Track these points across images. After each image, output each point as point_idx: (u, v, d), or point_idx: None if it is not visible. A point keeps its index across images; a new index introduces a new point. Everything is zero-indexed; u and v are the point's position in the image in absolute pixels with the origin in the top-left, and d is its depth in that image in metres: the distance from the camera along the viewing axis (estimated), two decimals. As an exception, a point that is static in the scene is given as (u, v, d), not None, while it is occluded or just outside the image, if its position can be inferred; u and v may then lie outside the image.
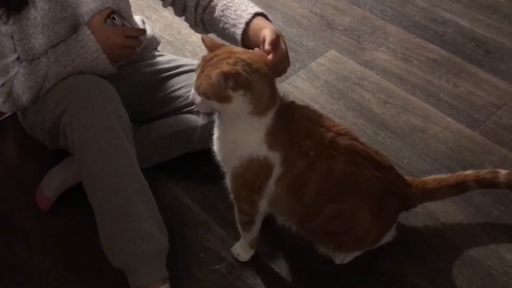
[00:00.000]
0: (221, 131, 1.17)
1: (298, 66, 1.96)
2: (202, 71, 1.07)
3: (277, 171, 1.14)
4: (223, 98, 1.05)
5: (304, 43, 2.07)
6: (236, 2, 1.36)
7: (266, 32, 1.20)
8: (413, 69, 1.94)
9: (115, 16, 1.37)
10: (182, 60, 1.62)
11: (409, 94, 1.85)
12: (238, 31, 1.30)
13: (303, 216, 1.22)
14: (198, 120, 1.49)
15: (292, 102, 1.19)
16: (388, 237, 1.31)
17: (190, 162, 1.56)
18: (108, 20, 1.36)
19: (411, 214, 1.46)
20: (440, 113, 1.78)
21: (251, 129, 1.11)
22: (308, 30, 2.13)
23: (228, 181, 1.22)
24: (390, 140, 1.69)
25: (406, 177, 1.29)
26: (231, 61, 1.04)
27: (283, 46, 1.21)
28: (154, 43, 1.63)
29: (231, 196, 1.27)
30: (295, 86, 1.87)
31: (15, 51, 1.31)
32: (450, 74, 1.93)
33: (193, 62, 1.61)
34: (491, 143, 1.68)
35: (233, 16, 1.32)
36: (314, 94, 1.85)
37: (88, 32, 1.31)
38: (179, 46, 2.02)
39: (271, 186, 1.17)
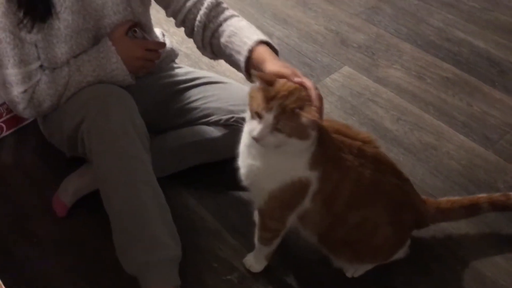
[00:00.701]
0: (261, 158, 1.13)
1: (312, 81, 1.98)
2: (283, 111, 1.03)
3: (314, 188, 1.15)
4: (305, 136, 1.06)
5: (319, 59, 2.10)
6: (242, 29, 1.33)
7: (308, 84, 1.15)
8: (426, 87, 1.96)
9: (136, 29, 1.40)
10: (199, 73, 1.64)
11: (422, 111, 1.86)
12: (242, 58, 1.28)
13: (328, 227, 1.22)
14: (213, 131, 1.52)
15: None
16: (401, 253, 1.31)
17: (204, 172, 1.58)
18: (130, 33, 1.39)
19: (422, 230, 1.46)
20: (453, 131, 1.79)
21: (298, 156, 1.11)
22: (323, 47, 2.16)
23: (260, 203, 1.21)
24: (403, 156, 1.69)
25: (421, 196, 1.31)
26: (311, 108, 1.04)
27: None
28: (172, 55, 1.66)
29: (257, 214, 1.26)
30: (309, 101, 1.89)
31: (39, 59, 1.34)
32: (464, 93, 1.94)
33: (210, 74, 1.64)
34: (504, 163, 1.68)
35: (238, 43, 1.30)
36: (328, 109, 1.87)
37: (110, 43, 1.35)
38: (195, 59, 2.05)
39: (306, 202, 1.17)
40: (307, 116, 1.01)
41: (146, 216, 1.24)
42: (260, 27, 2.21)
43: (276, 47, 1.30)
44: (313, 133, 1.06)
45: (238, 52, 1.29)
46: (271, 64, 1.18)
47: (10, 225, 1.50)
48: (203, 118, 1.53)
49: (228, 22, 1.36)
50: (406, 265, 1.38)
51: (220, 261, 1.41)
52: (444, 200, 1.34)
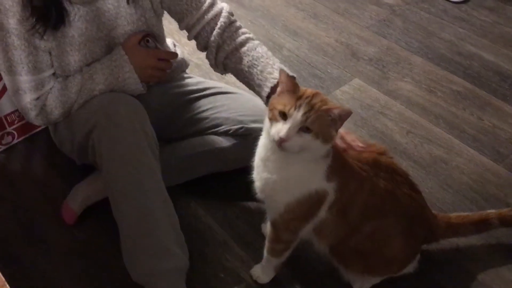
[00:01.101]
0: (277, 171, 1.13)
1: (322, 93, 1.98)
2: (311, 109, 1.03)
3: (330, 198, 1.15)
4: (329, 137, 1.05)
5: (329, 71, 2.10)
6: (262, 61, 1.35)
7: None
8: (437, 101, 1.95)
9: (149, 39, 1.41)
10: (209, 83, 1.65)
11: (432, 125, 1.85)
12: (264, 93, 1.31)
13: (341, 238, 1.22)
14: (223, 141, 1.52)
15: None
16: (410, 267, 1.30)
17: (213, 182, 1.58)
18: (142, 43, 1.40)
19: (432, 246, 1.45)
20: (464, 145, 1.78)
21: (315, 169, 1.11)
22: (334, 59, 2.16)
23: (274, 215, 1.21)
24: (412, 169, 1.69)
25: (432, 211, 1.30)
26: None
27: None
28: (183, 65, 1.67)
29: (270, 226, 1.26)
30: (319, 113, 1.90)
31: (52, 66, 1.35)
32: (475, 107, 1.93)
33: (220, 85, 1.65)
34: (514, 177, 1.67)
35: (259, 77, 1.33)
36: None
37: (123, 52, 1.36)
38: (206, 70, 2.07)
39: (322, 213, 1.17)
40: (338, 107, 1.03)
41: (155, 225, 1.24)
42: (271, 39, 2.25)
43: (293, 74, 1.31)
44: (335, 135, 1.06)
45: (259, 86, 1.32)
46: None
47: (20, 231, 1.51)
48: (213, 128, 1.54)
49: (245, 49, 1.38)
50: (414, 279, 1.36)
51: (227, 272, 1.40)
52: (455, 215, 1.33)
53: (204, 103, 1.58)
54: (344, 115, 1.03)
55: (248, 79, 1.36)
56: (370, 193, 1.16)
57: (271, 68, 1.33)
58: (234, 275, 1.40)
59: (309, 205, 1.14)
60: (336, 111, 1.03)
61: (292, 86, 1.07)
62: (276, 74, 1.30)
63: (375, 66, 2.12)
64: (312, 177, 1.12)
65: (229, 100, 1.57)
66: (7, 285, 0.82)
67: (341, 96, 1.98)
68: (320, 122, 1.03)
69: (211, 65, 1.47)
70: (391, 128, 1.84)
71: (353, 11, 2.45)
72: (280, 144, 1.03)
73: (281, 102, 1.05)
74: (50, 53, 1.33)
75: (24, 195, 1.62)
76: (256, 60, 1.36)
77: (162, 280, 1.24)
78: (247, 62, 1.36)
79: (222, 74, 1.49)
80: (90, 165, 1.46)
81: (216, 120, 1.53)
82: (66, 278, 1.40)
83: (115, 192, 1.27)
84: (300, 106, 1.03)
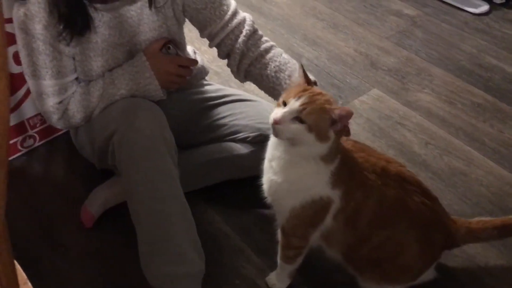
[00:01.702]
0: (281, 173, 1.14)
1: (341, 102, 1.99)
2: (311, 101, 1.05)
3: (336, 206, 1.15)
4: (324, 137, 1.05)
5: (348, 80, 2.10)
6: (289, 67, 1.39)
7: None
8: (457, 112, 1.94)
9: (170, 46, 1.43)
10: (228, 90, 1.66)
11: (452, 136, 1.84)
12: None
13: (352, 245, 1.21)
14: (241, 148, 1.53)
15: (347, 139, 1.20)
16: (429, 274, 1.28)
17: (230, 189, 1.59)
18: (164, 49, 1.42)
19: (449, 256, 1.43)
20: (483, 157, 1.76)
21: (317, 173, 1.11)
22: (352, 69, 2.16)
23: (282, 220, 1.22)
24: (431, 181, 1.67)
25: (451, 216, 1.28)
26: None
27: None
28: (203, 72, 1.69)
29: (280, 232, 1.26)
30: (337, 122, 1.90)
31: (75, 71, 1.38)
32: (495, 119, 1.91)
33: (239, 92, 1.66)
34: (535, 191, 1.65)
35: (287, 81, 1.36)
36: (355, 131, 1.86)
37: (144, 58, 1.38)
38: (225, 77, 2.08)
39: (328, 221, 1.17)
40: (339, 108, 1.03)
41: (173, 230, 1.25)
42: (290, 48, 2.26)
43: (315, 79, 1.32)
44: (333, 136, 1.06)
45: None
46: None
47: (39, 234, 1.53)
48: (231, 135, 1.55)
49: (271, 55, 1.42)
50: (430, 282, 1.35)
51: (243, 279, 1.40)
52: (476, 220, 1.30)
53: (223, 110, 1.59)
54: (345, 116, 1.04)
55: (274, 84, 1.38)
56: (379, 202, 1.15)
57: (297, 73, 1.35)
58: (249, 282, 1.40)
59: (313, 211, 1.15)
60: (336, 111, 1.03)
61: (304, 81, 1.11)
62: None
63: (394, 76, 2.12)
64: (316, 182, 1.12)
65: (248, 108, 1.58)
66: (29, 283, 0.83)
67: (359, 106, 1.98)
68: (317, 117, 1.04)
69: (233, 72, 1.49)
70: (410, 139, 1.83)
71: (373, 22, 2.45)
72: (273, 126, 1.05)
73: (287, 92, 1.09)
74: (73, 58, 1.36)
75: (44, 197, 1.64)
76: (283, 66, 1.40)
77: (178, 285, 1.25)
78: (274, 67, 1.40)
79: (242, 82, 1.51)
80: (110, 169, 1.47)
81: (235, 127, 1.54)
82: (83, 281, 1.41)
83: (134, 197, 1.28)
84: (300, 97, 1.05)
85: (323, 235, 1.21)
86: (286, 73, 1.38)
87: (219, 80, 2.07)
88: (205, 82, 1.70)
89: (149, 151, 1.26)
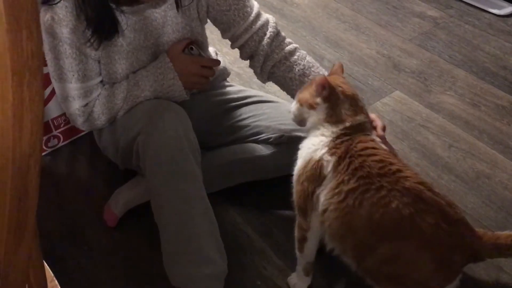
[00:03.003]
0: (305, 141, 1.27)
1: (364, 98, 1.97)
2: (309, 86, 1.25)
3: (327, 181, 1.16)
4: (312, 105, 1.21)
5: (370, 82, 2.09)
6: (313, 70, 1.43)
7: (376, 120, 1.36)
8: (481, 115, 1.92)
9: (193, 47, 1.44)
10: (250, 91, 1.67)
11: (476, 139, 1.82)
12: None
13: (356, 251, 1.20)
14: (263, 149, 1.53)
15: (370, 137, 1.22)
16: (452, 287, 1.27)
17: (252, 191, 1.59)
18: (186, 50, 1.43)
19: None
20: (508, 160, 1.73)
21: (320, 134, 1.21)
22: (375, 71, 2.15)
23: (293, 188, 1.28)
24: (454, 184, 1.66)
25: (477, 229, 1.23)
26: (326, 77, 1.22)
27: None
28: (225, 73, 1.70)
29: (295, 208, 1.28)
30: (359, 124, 1.89)
31: (100, 74, 1.39)
32: (520, 122, 1.89)
33: (261, 93, 1.66)
34: (561, 195, 1.62)
35: None
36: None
37: (167, 59, 1.39)
38: (246, 79, 2.09)
39: (321, 197, 1.17)
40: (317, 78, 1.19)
41: (195, 231, 1.26)
42: (311, 50, 2.26)
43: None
44: (321, 103, 1.20)
45: None
46: None
47: (63, 233, 1.55)
48: (253, 136, 1.55)
49: (295, 58, 1.45)
50: None
51: (264, 280, 1.41)
52: (505, 234, 1.24)
53: (245, 111, 1.59)
54: (314, 84, 1.20)
55: (297, 88, 1.39)
56: (377, 206, 1.11)
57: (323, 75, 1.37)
58: (271, 283, 1.40)
59: (309, 173, 1.19)
60: (311, 82, 1.23)
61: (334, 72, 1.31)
62: None
63: (417, 78, 2.10)
64: (317, 143, 1.21)
65: (270, 109, 1.58)
66: (55, 280, 0.84)
67: (381, 108, 1.96)
68: (301, 94, 1.25)
69: (256, 73, 1.50)
70: (433, 141, 1.82)
71: (396, 24, 2.44)
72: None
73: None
74: (99, 61, 1.37)
75: (68, 197, 1.66)
76: (307, 69, 1.42)
77: (201, 286, 1.25)
78: (298, 70, 1.42)
79: (264, 83, 1.52)
80: (133, 169, 1.49)
81: (257, 128, 1.54)
82: (107, 279, 1.43)
83: (158, 198, 1.29)
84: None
85: (321, 222, 1.20)
86: (310, 77, 1.40)
87: (240, 81, 2.07)
88: (226, 84, 1.71)
89: (173, 152, 1.27)
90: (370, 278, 1.25)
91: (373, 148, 1.17)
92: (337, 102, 1.20)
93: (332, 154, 1.17)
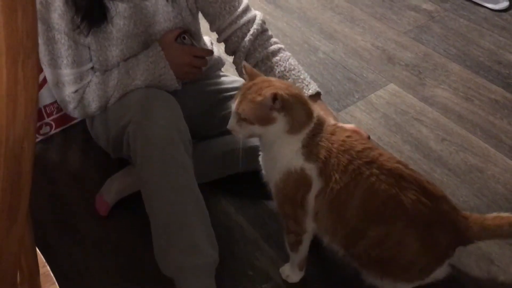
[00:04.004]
0: (263, 151, 1.24)
1: (357, 97, 1.98)
2: (243, 99, 1.14)
3: (316, 185, 1.16)
4: (270, 120, 1.12)
5: (364, 75, 2.09)
6: (293, 74, 1.38)
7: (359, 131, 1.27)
8: (474, 109, 1.92)
9: (185, 36, 1.43)
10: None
11: (469, 133, 1.82)
12: None
13: (347, 238, 1.21)
14: (256, 140, 1.52)
15: (336, 124, 1.21)
16: (441, 272, 1.27)
17: (245, 181, 1.59)
18: (179, 39, 1.42)
19: (464, 253, 1.43)
20: (500, 154, 1.74)
21: (288, 143, 1.16)
22: (369, 63, 2.15)
23: (274, 199, 1.26)
24: (446, 177, 1.66)
25: (463, 212, 1.25)
26: (273, 88, 1.12)
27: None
28: (219, 63, 1.69)
29: (280, 215, 1.29)
30: (353, 116, 1.89)
31: (91, 60, 1.38)
32: (513, 116, 1.89)
33: (255, 84, 1.65)
34: (553, 190, 1.63)
35: None
36: (371, 125, 1.85)
37: (159, 48, 1.38)
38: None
39: (311, 200, 1.18)
40: (263, 96, 1.09)
41: (186, 221, 1.25)
42: (306, 41, 2.25)
43: (319, 90, 1.38)
44: (281, 116, 1.12)
45: None
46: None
47: (55, 221, 1.55)
48: (247, 127, 1.54)
49: (277, 58, 1.41)
50: (442, 281, 1.35)
51: (256, 270, 1.41)
52: (492, 216, 1.25)
53: (238, 102, 1.58)
54: (264, 100, 1.09)
55: None
56: (367, 194, 1.14)
57: (301, 83, 1.37)
58: (263, 273, 1.40)
59: (293, 184, 1.17)
60: (259, 99, 1.10)
61: (251, 75, 1.18)
62: (305, 91, 1.35)
63: (412, 72, 2.10)
64: (289, 153, 1.16)
65: (263, 100, 1.57)
66: (47, 266, 0.83)
67: (375, 100, 1.96)
68: (251, 111, 1.12)
69: (237, 70, 1.49)
70: (426, 134, 1.82)
71: (391, 16, 2.43)
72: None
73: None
74: (89, 47, 1.36)
75: (59, 185, 1.65)
76: (288, 72, 1.39)
77: (191, 275, 1.25)
78: (279, 72, 1.39)
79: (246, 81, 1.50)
80: (125, 158, 1.48)
81: (250, 119, 1.54)
82: (97, 268, 1.43)
83: (148, 187, 1.28)
84: (236, 97, 1.15)
85: (314, 220, 1.21)
86: (289, 80, 1.37)
87: (234, 72, 2.04)
88: (221, 74, 1.70)
89: (163, 141, 1.26)
90: (358, 263, 1.26)
91: (348, 138, 1.17)
92: (293, 107, 1.13)
93: (313, 161, 1.15)
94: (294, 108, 1.13)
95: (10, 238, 0.53)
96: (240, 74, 1.49)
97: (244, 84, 1.18)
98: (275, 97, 1.09)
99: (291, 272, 1.36)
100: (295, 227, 1.26)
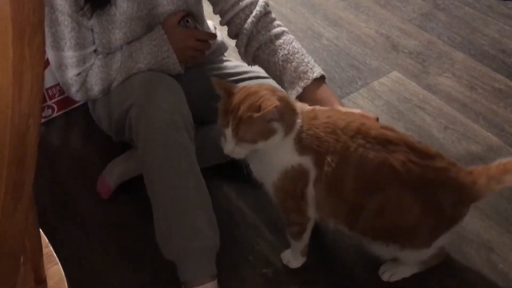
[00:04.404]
0: (255, 159, 1.21)
1: (360, 84, 1.97)
2: (238, 121, 1.10)
3: (312, 174, 1.15)
4: (271, 133, 1.11)
5: (368, 62, 2.08)
6: (297, 57, 1.36)
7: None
8: (477, 97, 1.91)
9: (188, 19, 1.42)
10: (247, 67, 1.64)
11: (471, 121, 1.82)
12: (295, 92, 1.31)
13: (349, 216, 1.20)
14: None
15: (314, 108, 1.20)
16: (446, 238, 1.23)
17: (247, 166, 1.58)
18: (182, 22, 1.41)
19: (464, 241, 1.43)
20: (503, 143, 1.74)
21: (282, 145, 1.14)
22: (373, 50, 2.14)
23: (272, 198, 1.25)
24: (448, 165, 1.66)
25: (465, 168, 1.20)
26: (265, 99, 1.09)
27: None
28: (222, 48, 1.68)
29: (281, 211, 1.29)
30: (355, 103, 1.88)
31: (94, 43, 1.37)
32: (516, 105, 1.89)
33: (258, 69, 1.64)
34: (554, 179, 1.62)
35: (293, 74, 1.33)
36: (374, 113, 1.83)
37: (162, 32, 1.37)
38: (244, 55, 2.06)
39: (311, 190, 1.17)
40: (263, 112, 1.06)
41: (188, 205, 1.25)
42: (310, 27, 2.24)
43: (324, 73, 1.35)
44: (279, 125, 1.10)
45: (291, 83, 1.33)
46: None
47: (56, 204, 1.55)
48: (249, 112, 1.54)
49: (281, 41, 1.39)
50: (446, 277, 1.36)
51: (257, 255, 1.41)
52: (495, 164, 1.20)
53: (241, 87, 1.58)
54: (267, 115, 1.06)
55: (280, 73, 1.36)
56: (358, 166, 1.12)
57: (305, 66, 1.33)
58: (263, 258, 1.40)
59: (292, 181, 1.16)
60: (257, 117, 1.06)
61: (228, 92, 1.14)
62: (310, 74, 1.32)
63: (415, 59, 2.09)
64: (283, 153, 1.15)
65: (266, 85, 1.56)
66: (50, 246, 0.84)
67: (378, 88, 1.96)
68: (251, 131, 1.10)
69: (240, 53, 1.47)
70: (429, 122, 1.82)
71: (396, 3, 2.41)
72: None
73: (219, 118, 1.15)
74: (92, 30, 1.35)
75: (61, 168, 1.65)
76: (292, 55, 1.36)
77: (192, 259, 1.26)
78: (282, 56, 1.37)
79: (249, 65, 1.49)
80: (127, 142, 1.48)
81: (253, 104, 1.53)
82: (99, 250, 1.43)
83: (150, 171, 1.28)
84: (228, 122, 1.11)
85: (316, 207, 1.20)
86: (293, 64, 1.35)
87: (237, 57, 2.03)
88: (224, 58, 1.69)
89: (166, 125, 1.26)
90: (365, 237, 1.24)
91: (330, 118, 1.16)
92: (285, 111, 1.12)
93: (307, 153, 1.14)
94: (286, 113, 1.12)
95: (15, 216, 0.53)
96: (243, 57, 1.48)
97: (222, 104, 1.15)
98: (273, 112, 1.07)
99: (292, 258, 1.37)
100: (298, 219, 1.25)
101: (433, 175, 1.14)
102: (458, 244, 1.43)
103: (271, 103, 1.06)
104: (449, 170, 1.17)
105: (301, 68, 1.34)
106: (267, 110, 1.06)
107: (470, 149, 1.72)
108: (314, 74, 1.33)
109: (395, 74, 2.02)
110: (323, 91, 1.32)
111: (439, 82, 1.98)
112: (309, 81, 1.30)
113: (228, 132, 1.11)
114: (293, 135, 1.13)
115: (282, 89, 1.34)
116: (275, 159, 1.16)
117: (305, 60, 1.36)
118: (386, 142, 1.13)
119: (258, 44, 1.40)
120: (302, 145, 1.13)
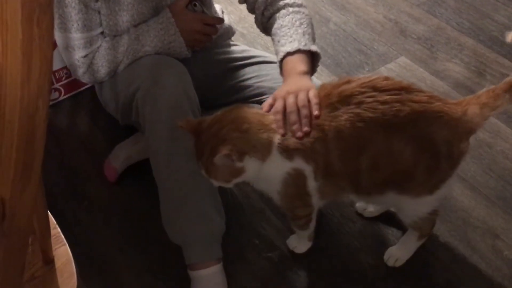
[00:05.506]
0: (251, 180, 1.20)
1: (367, 69, 1.96)
2: (206, 167, 1.11)
3: (308, 170, 1.12)
4: (237, 172, 1.10)
5: (375, 47, 2.06)
6: (282, 31, 1.33)
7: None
8: (486, 84, 1.90)
9: (196, 3, 1.41)
10: (254, 52, 1.64)
11: (479, 108, 1.80)
12: (279, 70, 1.31)
13: (351, 184, 1.16)
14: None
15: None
16: (450, 185, 1.19)
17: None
18: (190, 6, 1.40)
19: (470, 228, 1.43)
20: (510, 130, 1.73)
21: (270, 164, 1.11)
22: (381, 35, 2.12)
23: (278, 203, 1.23)
24: (455, 152, 1.65)
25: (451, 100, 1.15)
26: (222, 142, 1.07)
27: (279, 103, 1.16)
28: (229, 32, 1.67)
29: (286, 211, 1.28)
30: (362, 89, 1.87)
31: (101, 25, 1.37)
32: (525, 92, 1.87)
33: (265, 54, 1.63)
34: (561, 167, 1.62)
35: (276, 47, 1.33)
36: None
37: (169, 15, 1.36)
38: (251, 39, 2.06)
39: (312, 183, 1.15)
40: (217, 157, 1.04)
41: (194, 189, 1.26)
42: (317, 12, 2.22)
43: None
44: (246, 160, 1.08)
45: (277, 53, 1.32)
46: (283, 86, 1.21)
47: (63, 187, 1.56)
48: (256, 97, 1.53)
49: (278, 15, 1.38)
50: (451, 262, 1.36)
51: (262, 239, 1.42)
52: (483, 92, 1.16)
53: (248, 71, 1.57)
54: (218, 161, 1.05)
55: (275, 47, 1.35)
56: (336, 138, 1.07)
57: (285, 39, 1.30)
58: (268, 242, 1.41)
59: (293, 185, 1.15)
60: (216, 159, 1.05)
61: (193, 132, 1.13)
62: (287, 47, 1.27)
63: (424, 45, 2.07)
64: (276, 168, 1.12)
65: (273, 70, 1.55)
66: (58, 228, 0.85)
67: (386, 73, 1.94)
68: (217, 173, 1.11)
69: (258, 26, 1.48)
70: (436, 108, 1.80)
71: (404, -12, 2.39)
72: None
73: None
74: (99, 12, 1.35)
75: (68, 151, 1.66)
76: (279, 29, 1.34)
77: (198, 243, 1.26)
78: (273, 30, 1.36)
79: (267, 35, 1.47)
80: (133, 125, 1.48)
81: (260, 88, 1.52)
82: (105, 234, 1.44)
83: (156, 154, 1.29)
84: (200, 157, 1.11)
85: (321, 195, 1.19)
86: (276, 38, 1.32)
87: (244, 41, 2.04)
88: (231, 43, 1.68)
89: (172, 108, 1.26)
90: (372, 195, 1.21)
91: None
92: (250, 145, 1.08)
93: (296, 156, 1.10)
94: (251, 143, 1.08)
95: (24, 197, 0.54)
96: (261, 30, 1.47)
97: (193, 146, 1.14)
98: (227, 155, 1.04)
99: (298, 243, 1.37)
100: (304, 212, 1.25)
101: (412, 109, 1.07)
102: (463, 230, 1.43)
103: (222, 147, 1.04)
104: (430, 103, 1.09)
105: (282, 41, 1.30)
106: (216, 157, 1.05)
107: (477, 135, 1.71)
108: (286, 47, 1.28)
109: (403, 59, 2.01)
110: (286, 63, 1.27)
111: (447, 68, 1.97)
112: (283, 54, 1.26)
113: (203, 171, 1.14)
114: (273, 149, 1.09)
115: (255, 106, 1.32)
116: (270, 174, 1.13)
117: (289, 33, 1.32)
118: (347, 98, 1.07)
119: (266, 19, 1.40)
120: (288, 151, 1.09)
